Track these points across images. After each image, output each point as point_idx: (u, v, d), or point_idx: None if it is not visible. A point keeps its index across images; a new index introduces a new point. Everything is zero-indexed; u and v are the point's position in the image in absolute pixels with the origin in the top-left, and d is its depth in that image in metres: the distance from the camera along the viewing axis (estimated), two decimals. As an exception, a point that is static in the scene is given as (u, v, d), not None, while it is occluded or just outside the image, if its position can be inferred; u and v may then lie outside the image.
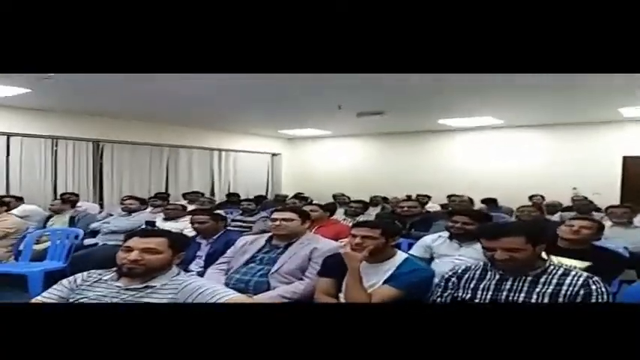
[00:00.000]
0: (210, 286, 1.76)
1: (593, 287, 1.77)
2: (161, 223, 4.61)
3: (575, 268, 2.52)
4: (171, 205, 5.04)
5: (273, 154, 10.64)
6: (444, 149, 8.93)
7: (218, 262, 2.84)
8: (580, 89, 5.12)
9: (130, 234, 1.88)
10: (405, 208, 4.67)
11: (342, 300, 2.23)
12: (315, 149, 10.54)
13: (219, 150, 9.52)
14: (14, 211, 5.57)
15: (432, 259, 3.17)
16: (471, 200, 6.60)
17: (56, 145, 7.18)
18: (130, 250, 1.75)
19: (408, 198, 6.34)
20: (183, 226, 4.36)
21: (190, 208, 5.83)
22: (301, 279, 2.54)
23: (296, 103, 6.11)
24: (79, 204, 6.24)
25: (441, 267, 2.94)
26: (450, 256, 3.07)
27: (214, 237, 3.34)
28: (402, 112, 6.80)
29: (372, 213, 5.85)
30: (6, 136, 6.64)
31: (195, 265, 3.25)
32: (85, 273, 1.82)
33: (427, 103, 6.11)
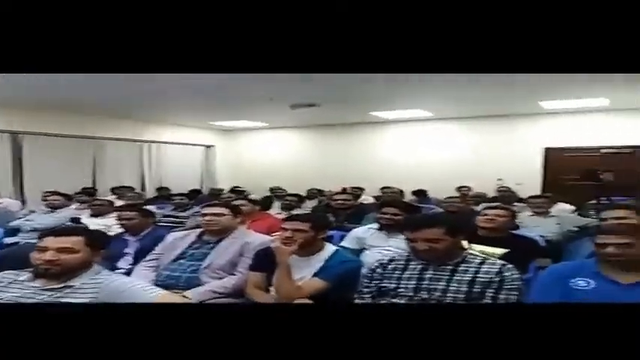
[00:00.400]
0: (134, 285, 1.74)
1: (507, 274, 1.90)
2: (88, 220, 4.42)
3: (492, 256, 2.69)
4: (98, 200, 4.83)
5: (207, 147, 10.39)
6: (378, 141, 9.08)
7: (147, 258, 2.79)
8: (503, 83, 5.34)
9: (44, 233, 1.80)
10: (339, 201, 4.75)
11: (273, 293, 2.25)
12: (250, 141, 10.40)
13: (149, 142, 9.16)
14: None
15: (362, 250, 3.26)
16: (401, 192, 6.79)
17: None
18: (44, 250, 1.69)
19: (343, 191, 6.46)
20: (111, 222, 4.20)
21: (119, 203, 5.63)
22: (233, 274, 2.53)
23: (228, 94, 5.99)
24: (-1, 200, 5.89)
25: (371, 257, 3.04)
26: (379, 247, 3.17)
27: (142, 233, 3.26)
28: (336, 104, 6.85)
29: (308, 206, 5.91)
30: None
31: (124, 263, 3.17)
32: (0, 274, 1.74)
33: (359, 95, 6.19)
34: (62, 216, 4.58)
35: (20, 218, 4.91)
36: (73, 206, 5.45)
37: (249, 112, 7.94)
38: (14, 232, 4.59)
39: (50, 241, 1.72)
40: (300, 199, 5.53)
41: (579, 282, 2.04)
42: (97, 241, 1.83)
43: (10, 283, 1.71)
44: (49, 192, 5.59)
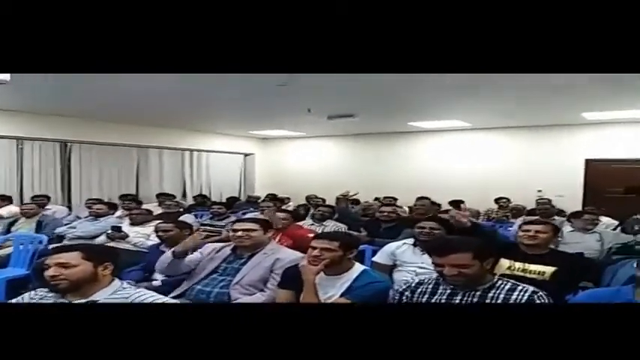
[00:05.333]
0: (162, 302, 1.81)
1: (538, 302, 1.84)
2: (127, 228, 4.55)
3: (540, 274, 2.63)
4: (137, 210, 4.98)
5: (246, 155, 10.56)
6: (415, 150, 9.01)
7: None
8: (544, 94, 5.23)
9: (47, 252, 1.92)
10: (385, 214, 4.72)
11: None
12: (288, 149, 10.51)
13: (190, 150, 9.41)
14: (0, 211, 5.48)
15: (394, 266, 3.23)
16: (434, 203, 6.59)
17: (22, 145, 7.03)
18: (47, 267, 1.79)
19: (378, 201, 6.42)
20: (150, 231, 4.31)
21: (158, 211, 5.79)
22: (263, 290, 2.57)
23: (266, 105, 6.11)
24: (48, 206, 6.16)
25: (403, 275, 3.03)
26: (412, 264, 3.11)
27: (179, 245, 3.32)
28: (373, 115, 6.88)
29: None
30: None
31: (160, 274, 3.25)
32: (32, 292, 1.87)
33: (396, 106, 6.21)
34: (103, 224, 4.72)
35: (65, 225, 5.12)
36: (118, 213, 5.65)
37: (287, 123, 8.07)
38: (60, 238, 4.80)
39: (50, 259, 1.81)
40: (333, 211, 5.48)
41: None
42: (96, 254, 1.88)
43: (41, 299, 1.83)
44: (93, 200, 5.81)
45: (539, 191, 7.38)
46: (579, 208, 6.46)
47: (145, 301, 1.78)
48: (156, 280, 3.20)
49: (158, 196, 7.64)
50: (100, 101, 5.89)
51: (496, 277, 1.99)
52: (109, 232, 4.43)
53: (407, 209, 6.67)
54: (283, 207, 6.28)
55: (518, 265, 2.86)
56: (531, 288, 1.91)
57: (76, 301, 1.77)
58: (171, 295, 2.60)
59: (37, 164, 7.18)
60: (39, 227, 5.01)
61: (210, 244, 3.01)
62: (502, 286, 1.93)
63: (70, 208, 7.20)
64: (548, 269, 2.75)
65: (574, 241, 4.21)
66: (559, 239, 4.08)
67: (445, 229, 3.25)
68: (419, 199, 6.82)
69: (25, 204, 5.51)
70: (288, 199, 8.33)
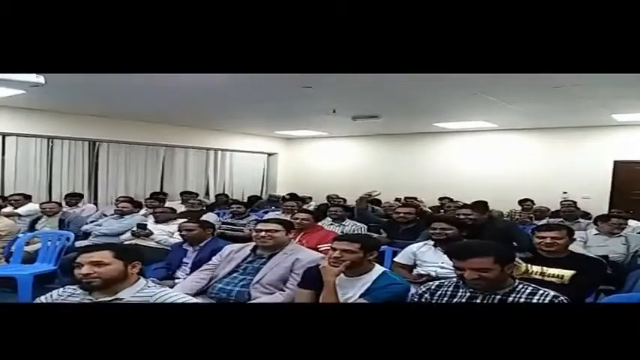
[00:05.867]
0: (185, 301, 1.85)
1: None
2: (152, 226, 4.63)
3: (559, 277, 2.60)
4: (160, 208, 5.07)
5: (269, 154, 10.63)
6: (439, 151, 8.92)
7: (201, 269, 2.87)
8: (572, 95, 5.12)
9: (78, 250, 1.97)
10: (401, 215, 4.69)
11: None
12: (312, 149, 10.51)
13: (215, 150, 9.53)
14: (20, 210, 5.63)
15: (415, 266, 3.25)
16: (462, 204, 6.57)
17: (52, 143, 7.22)
18: (80, 265, 1.81)
19: (399, 201, 6.39)
20: (174, 229, 4.38)
21: (181, 209, 5.87)
22: (283, 290, 2.59)
23: (291, 106, 6.15)
24: (79, 204, 6.33)
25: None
26: (433, 264, 3.15)
27: (201, 244, 3.38)
28: (397, 116, 6.85)
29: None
30: (1, 136, 6.67)
31: (182, 272, 3.31)
32: (60, 289, 1.90)
33: (421, 107, 6.18)
34: (129, 222, 4.81)
35: (90, 223, 5.23)
36: (142, 211, 5.76)
37: (311, 123, 8.08)
38: (86, 235, 4.92)
39: (82, 257, 1.84)
40: (351, 211, 5.45)
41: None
42: (126, 253, 1.91)
43: (69, 296, 1.87)
44: (121, 198, 5.93)
45: (565, 193, 7.24)
46: (606, 210, 6.35)
47: (168, 300, 1.81)
48: (178, 278, 3.26)
49: (182, 194, 7.77)
50: (127, 101, 6.01)
51: (516, 281, 1.97)
52: (134, 229, 4.52)
53: (428, 210, 6.61)
54: (304, 206, 6.31)
55: (536, 268, 2.81)
56: (552, 292, 1.89)
57: (103, 299, 1.81)
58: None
59: (66, 162, 7.37)
60: (61, 225, 5.12)
61: (228, 245, 3.06)
62: (522, 290, 1.91)
63: (96, 205, 7.36)
64: (567, 273, 2.69)
65: (598, 244, 4.14)
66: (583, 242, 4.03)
67: (457, 228, 3.31)
68: (442, 199, 6.81)
69: (46, 202, 5.61)
70: (310, 198, 8.34)
